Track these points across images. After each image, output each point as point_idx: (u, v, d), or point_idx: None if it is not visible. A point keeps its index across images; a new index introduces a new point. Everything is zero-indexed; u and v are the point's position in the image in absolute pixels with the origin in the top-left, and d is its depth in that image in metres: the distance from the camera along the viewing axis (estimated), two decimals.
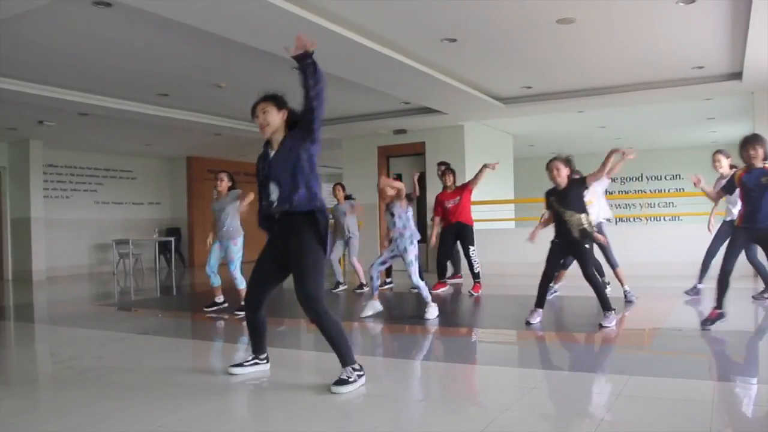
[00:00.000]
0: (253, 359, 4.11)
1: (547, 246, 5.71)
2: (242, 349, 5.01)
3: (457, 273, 9.28)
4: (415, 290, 6.52)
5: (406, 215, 6.31)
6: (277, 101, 3.79)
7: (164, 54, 7.51)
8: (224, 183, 6.96)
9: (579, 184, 5.65)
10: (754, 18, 6.30)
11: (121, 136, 13.04)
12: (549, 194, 5.74)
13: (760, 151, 5.09)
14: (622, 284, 6.85)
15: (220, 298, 7.15)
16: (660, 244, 9.97)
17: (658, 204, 16.87)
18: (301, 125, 3.67)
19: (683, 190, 17.04)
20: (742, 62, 8.14)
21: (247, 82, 8.71)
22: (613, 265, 6.86)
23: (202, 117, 11.03)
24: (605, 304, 5.51)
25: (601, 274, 6.55)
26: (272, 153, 3.73)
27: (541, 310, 5.77)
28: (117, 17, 6.17)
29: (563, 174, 5.61)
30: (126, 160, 15.82)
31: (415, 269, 6.27)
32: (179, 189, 16.63)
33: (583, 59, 8.17)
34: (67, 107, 9.56)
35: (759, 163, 5.09)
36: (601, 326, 5.39)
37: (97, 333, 6.17)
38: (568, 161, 5.71)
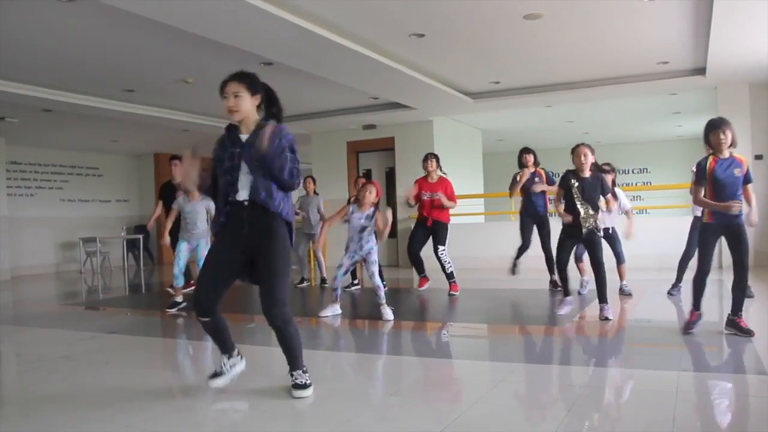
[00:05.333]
0: (228, 361, 3.71)
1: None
2: (212, 348, 4.94)
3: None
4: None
5: (374, 218, 6.26)
6: (251, 84, 3.46)
7: (130, 49, 7.40)
8: None
9: (604, 183, 5.67)
10: (716, 14, 6.41)
11: (87, 133, 12.83)
12: (571, 178, 5.59)
13: (730, 137, 4.62)
14: (621, 278, 7.01)
15: (180, 298, 7.04)
16: None
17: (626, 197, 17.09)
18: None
19: (650, 183, 17.34)
20: (705, 58, 8.28)
21: (215, 78, 8.54)
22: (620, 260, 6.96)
23: (169, 113, 10.90)
24: (603, 297, 5.57)
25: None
26: (244, 137, 3.45)
27: (569, 298, 5.76)
28: (81, 11, 6.07)
29: (589, 161, 5.56)
30: (92, 156, 15.57)
31: (377, 269, 6.27)
32: (147, 186, 16.42)
33: (551, 54, 8.24)
34: (30, 103, 9.37)
35: (727, 152, 4.68)
36: (607, 318, 5.47)
37: (64, 333, 6.08)
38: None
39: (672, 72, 9.27)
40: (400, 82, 9.09)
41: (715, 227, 4.74)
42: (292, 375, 3.51)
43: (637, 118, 13.80)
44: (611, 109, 12.61)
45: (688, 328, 4.85)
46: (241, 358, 3.77)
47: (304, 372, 3.52)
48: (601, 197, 5.69)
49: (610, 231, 6.82)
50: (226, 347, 3.69)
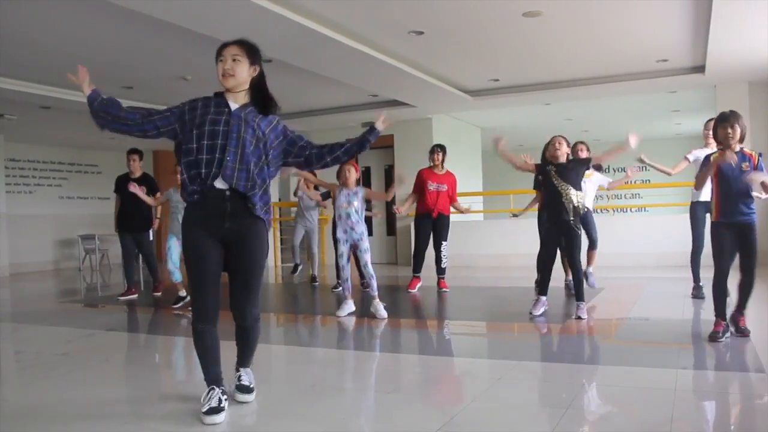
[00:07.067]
0: (222, 390, 3.12)
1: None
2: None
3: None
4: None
5: (362, 206, 6.19)
6: (253, 53, 3.17)
7: (128, 46, 7.38)
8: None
9: (581, 162, 5.72)
10: (715, 12, 6.41)
11: (86, 130, 12.77)
12: (547, 165, 5.54)
13: (738, 131, 4.41)
14: (589, 263, 7.01)
15: (183, 293, 7.02)
16: (626, 234, 10.12)
17: (625, 195, 17.10)
18: (303, 153, 3.28)
19: (649, 181, 17.31)
20: (704, 56, 8.28)
21: (214, 76, 8.56)
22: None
23: None
24: (580, 295, 5.54)
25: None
26: (233, 106, 3.17)
27: (544, 298, 5.70)
28: (80, 8, 6.06)
29: (563, 150, 5.55)
30: (91, 154, 15.55)
31: (369, 257, 6.17)
32: None
33: (550, 52, 8.23)
34: (29, 100, 9.36)
35: (736, 146, 4.41)
36: (579, 318, 5.43)
37: (62, 330, 6.07)
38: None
39: (671, 70, 9.27)
40: (399, 80, 9.08)
41: (724, 225, 4.45)
42: (238, 371, 3.33)
43: (636, 115, 13.80)
44: (610, 107, 12.61)
45: (714, 338, 4.45)
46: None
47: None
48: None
49: (587, 212, 6.74)
50: (217, 368, 3.14)
